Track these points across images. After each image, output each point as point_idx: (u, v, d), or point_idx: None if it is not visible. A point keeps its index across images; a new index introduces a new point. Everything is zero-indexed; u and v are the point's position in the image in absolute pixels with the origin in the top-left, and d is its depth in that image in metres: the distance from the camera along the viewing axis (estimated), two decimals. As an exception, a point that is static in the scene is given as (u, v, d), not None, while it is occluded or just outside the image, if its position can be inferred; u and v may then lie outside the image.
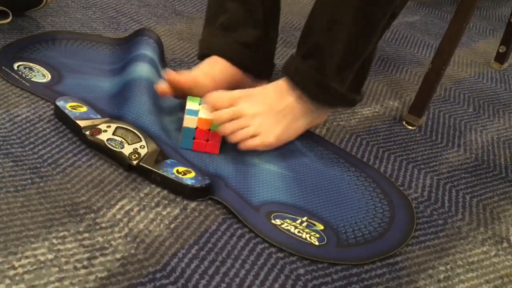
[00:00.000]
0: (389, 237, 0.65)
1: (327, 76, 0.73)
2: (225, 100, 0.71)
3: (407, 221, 0.69)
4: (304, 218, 0.65)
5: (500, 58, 1.20)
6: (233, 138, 0.71)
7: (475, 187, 0.79)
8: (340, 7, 0.70)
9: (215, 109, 0.71)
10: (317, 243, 0.62)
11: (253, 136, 0.72)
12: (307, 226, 0.64)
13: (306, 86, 0.74)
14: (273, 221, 0.64)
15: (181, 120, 0.73)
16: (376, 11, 0.71)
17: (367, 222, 0.67)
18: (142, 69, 0.83)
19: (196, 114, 0.71)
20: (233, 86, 0.81)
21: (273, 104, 0.74)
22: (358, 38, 0.72)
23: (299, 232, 0.63)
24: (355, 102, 0.80)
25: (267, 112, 0.73)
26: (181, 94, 0.77)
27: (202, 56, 0.84)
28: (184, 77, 0.76)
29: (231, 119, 0.71)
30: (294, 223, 0.64)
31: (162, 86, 0.77)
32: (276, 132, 0.74)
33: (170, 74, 0.76)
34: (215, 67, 0.80)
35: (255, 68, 0.84)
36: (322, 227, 0.65)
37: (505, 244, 0.69)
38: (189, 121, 0.71)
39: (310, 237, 0.63)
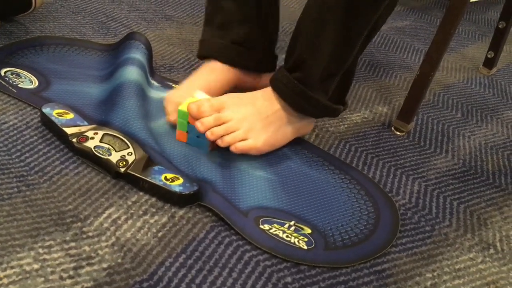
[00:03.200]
0: (376, 238, 0.66)
1: (310, 87, 0.74)
2: (207, 107, 0.71)
3: (392, 221, 0.70)
4: (292, 222, 0.66)
5: (489, 63, 1.21)
6: (222, 143, 0.72)
7: (463, 193, 0.80)
8: (324, 20, 0.71)
9: (198, 117, 0.71)
10: (305, 247, 0.62)
11: (242, 140, 0.73)
12: (295, 230, 0.65)
13: (290, 97, 0.75)
14: (261, 226, 0.64)
15: (169, 124, 0.75)
16: (359, 23, 0.72)
17: (353, 224, 0.68)
18: (130, 73, 0.83)
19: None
20: (232, 89, 0.82)
21: (261, 109, 0.75)
22: (341, 50, 0.73)
23: (287, 236, 0.63)
24: (338, 112, 0.81)
25: (254, 116, 0.74)
26: None
27: (201, 57, 0.86)
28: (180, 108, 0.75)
29: (217, 125, 0.71)
30: (282, 228, 0.65)
31: (171, 119, 0.77)
32: (265, 137, 0.75)
33: (169, 117, 0.77)
34: (210, 77, 0.81)
35: (255, 64, 0.85)
36: (309, 231, 0.65)
37: (491, 251, 0.70)
38: (181, 125, 0.74)
39: (298, 241, 0.63)
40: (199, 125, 0.71)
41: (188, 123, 0.74)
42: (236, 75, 0.84)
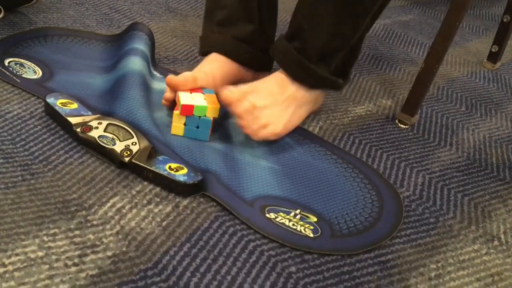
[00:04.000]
0: (381, 226, 0.67)
1: (308, 58, 0.76)
2: (237, 95, 0.74)
3: (396, 209, 0.71)
4: (297, 211, 0.66)
5: (493, 57, 1.21)
6: (247, 130, 0.75)
7: (467, 186, 0.80)
8: None
9: (229, 104, 0.74)
10: (311, 235, 0.63)
11: (263, 127, 0.75)
12: (301, 219, 0.65)
13: (288, 66, 0.77)
14: (267, 215, 0.64)
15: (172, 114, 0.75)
16: (366, 1, 0.72)
17: (358, 212, 0.68)
18: (133, 63, 0.83)
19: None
20: (233, 81, 0.83)
21: (276, 95, 0.77)
22: (345, 26, 0.74)
23: (293, 225, 0.64)
24: (337, 84, 0.82)
25: (273, 103, 0.76)
26: None
27: (203, 53, 0.86)
28: (183, 78, 0.76)
29: (249, 112, 0.74)
30: (288, 216, 0.65)
31: (165, 96, 0.78)
32: (283, 121, 0.77)
33: (170, 78, 0.76)
34: (214, 65, 0.82)
35: (254, 62, 0.86)
36: (315, 219, 0.65)
37: (496, 243, 0.70)
38: (178, 118, 0.74)
39: (304, 229, 0.63)
40: (235, 109, 0.73)
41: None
42: (236, 69, 0.84)
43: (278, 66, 0.80)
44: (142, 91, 0.78)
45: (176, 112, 0.74)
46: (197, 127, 0.74)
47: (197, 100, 0.74)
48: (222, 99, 0.74)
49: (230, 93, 0.74)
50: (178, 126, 0.74)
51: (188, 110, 0.73)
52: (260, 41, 0.85)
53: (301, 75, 0.77)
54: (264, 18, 0.85)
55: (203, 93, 0.76)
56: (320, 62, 0.77)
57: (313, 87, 0.82)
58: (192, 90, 0.76)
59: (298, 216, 0.65)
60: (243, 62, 0.84)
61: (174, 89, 0.77)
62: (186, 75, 0.76)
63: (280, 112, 0.77)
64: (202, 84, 0.77)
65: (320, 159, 0.77)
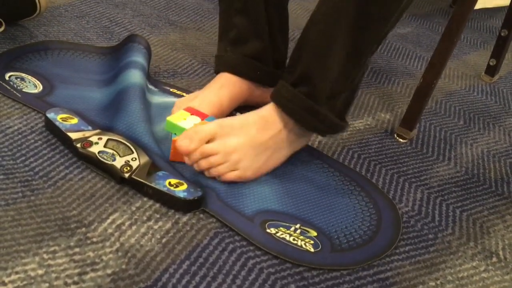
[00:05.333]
0: (380, 238, 0.67)
1: (318, 102, 0.72)
2: (197, 142, 0.69)
3: (394, 221, 0.71)
4: (297, 225, 0.66)
5: (491, 71, 1.22)
6: (207, 174, 0.71)
7: (465, 201, 0.80)
8: (332, 33, 0.69)
9: (187, 152, 0.69)
10: (312, 250, 0.63)
11: (231, 170, 0.70)
12: (301, 233, 0.65)
13: (297, 113, 0.72)
14: (268, 230, 0.64)
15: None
16: (368, 35, 0.70)
17: (357, 226, 0.69)
18: (133, 76, 0.83)
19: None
20: (242, 101, 0.85)
21: (254, 135, 0.72)
22: (349, 65, 0.71)
23: (294, 239, 0.64)
24: (343, 128, 0.78)
25: (246, 144, 0.71)
26: None
27: (216, 72, 0.87)
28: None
29: (203, 158, 0.69)
30: (288, 231, 0.65)
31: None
32: (255, 166, 0.72)
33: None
34: (222, 92, 0.83)
35: (265, 78, 0.86)
36: (315, 234, 0.66)
37: (494, 259, 0.70)
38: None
39: (305, 244, 0.64)
40: (186, 160, 0.70)
41: None
42: (247, 88, 0.85)
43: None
44: (142, 105, 0.78)
45: (174, 139, 0.72)
46: None
47: (188, 122, 0.73)
48: (178, 147, 0.69)
49: (189, 139, 0.69)
50: (178, 154, 0.72)
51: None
52: (271, 57, 0.86)
53: (311, 122, 0.73)
54: (275, 34, 0.85)
55: (203, 120, 0.74)
56: (328, 105, 0.73)
57: (322, 134, 0.80)
58: (196, 112, 0.76)
59: (299, 231, 0.66)
60: (254, 79, 0.85)
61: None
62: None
63: (253, 155, 0.71)
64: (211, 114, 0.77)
65: (318, 173, 0.78)
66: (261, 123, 0.73)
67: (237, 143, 0.70)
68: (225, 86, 0.83)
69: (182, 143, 0.69)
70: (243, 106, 0.87)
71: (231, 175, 0.71)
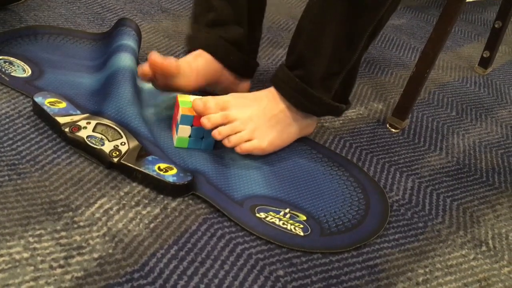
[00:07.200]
0: (368, 222, 0.68)
1: (312, 85, 0.73)
2: (213, 104, 0.70)
3: (382, 206, 0.71)
4: (287, 210, 0.66)
5: (484, 63, 1.22)
6: (228, 143, 0.70)
7: (456, 191, 0.80)
8: (326, 18, 0.70)
9: (204, 114, 0.70)
10: (302, 234, 0.63)
11: (247, 140, 0.71)
12: (290, 218, 0.65)
13: (292, 96, 0.74)
14: (257, 215, 0.64)
15: (162, 113, 0.73)
16: (361, 22, 0.71)
17: (346, 210, 0.69)
18: (123, 60, 0.82)
19: (190, 121, 0.71)
20: (214, 81, 0.81)
21: (266, 109, 0.74)
22: (343, 48, 0.72)
23: (283, 224, 0.64)
24: (340, 110, 0.79)
25: (259, 116, 0.73)
26: (161, 80, 0.75)
27: (189, 52, 0.83)
28: (167, 61, 0.73)
29: (223, 124, 0.70)
30: (278, 216, 0.65)
31: (144, 68, 0.74)
32: (270, 137, 0.74)
33: (154, 55, 0.72)
34: (198, 60, 0.80)
35: (238, 66, 0.84)
36: (304, 218, 0.66)
37: (483, 248, 0.70)
38: (183, 130, 0.72)
39: (294, 228, 0.64)
40: (206, 121, 0.69)
41: (192, 125, 0.72)
42: (219, 70, 0.82)
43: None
44: (132, 88, 0.77)
45: (181, 126, 0.71)
46: (202, 137, 0.73)
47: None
48: (195, 107, 0.70)
49: (206, 101, 0.69)
50: (183, 138, 0.72)
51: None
52: (247, 45, 0.84)
53: (306, 104, 0.75)
54: (253, 23, 0.83)
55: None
56: (322, 89, 0.74)
57: (318, 115, 0.81)
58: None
59: (288, 215, 0.65)
60: (228, 64, 0.82)
61: (156, 69, 0.73)
62: (170, 61, 0.73)
63: (267, 127, 0.73)
64: (184, 73, 0.75)
65: (307, 158, 0.78)
66: (270, 98, 0.75)
67: (251, 113, 0.72)
68: (202, 58, 0.80)
69: (200, 101, 0.69)
70: (205, 91, 0.82)
71: (248, 146, 0.71)
